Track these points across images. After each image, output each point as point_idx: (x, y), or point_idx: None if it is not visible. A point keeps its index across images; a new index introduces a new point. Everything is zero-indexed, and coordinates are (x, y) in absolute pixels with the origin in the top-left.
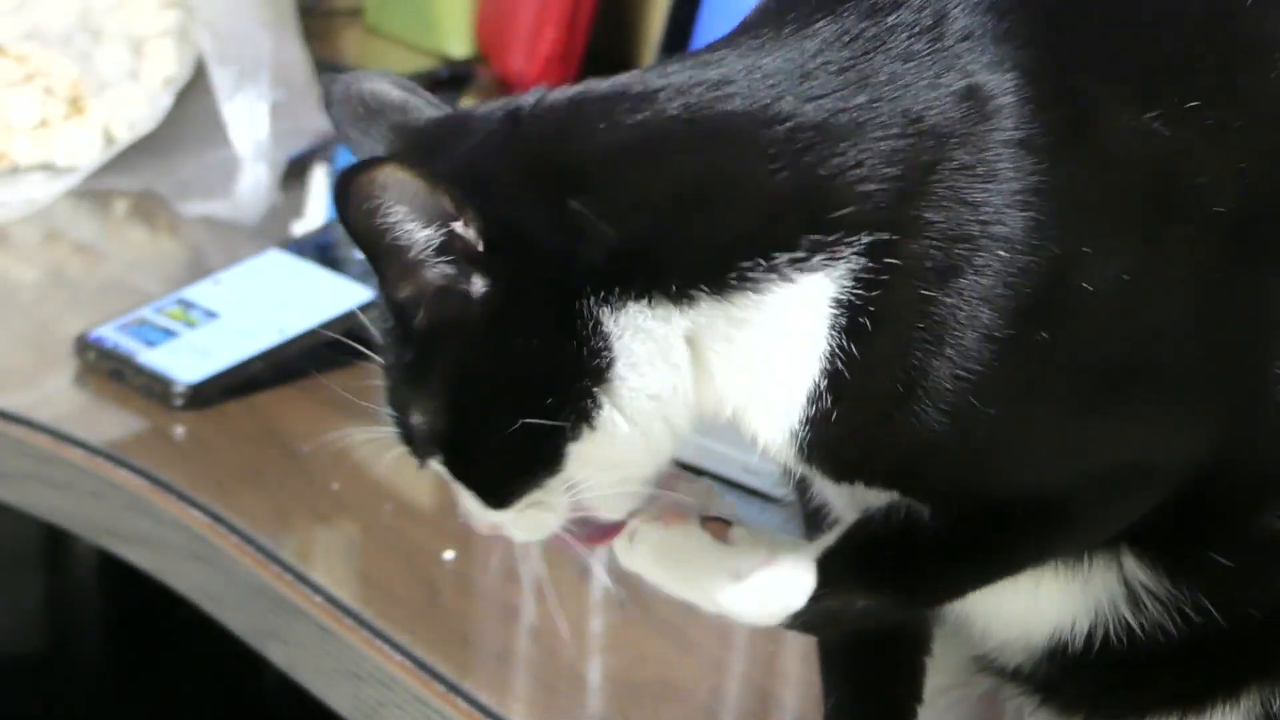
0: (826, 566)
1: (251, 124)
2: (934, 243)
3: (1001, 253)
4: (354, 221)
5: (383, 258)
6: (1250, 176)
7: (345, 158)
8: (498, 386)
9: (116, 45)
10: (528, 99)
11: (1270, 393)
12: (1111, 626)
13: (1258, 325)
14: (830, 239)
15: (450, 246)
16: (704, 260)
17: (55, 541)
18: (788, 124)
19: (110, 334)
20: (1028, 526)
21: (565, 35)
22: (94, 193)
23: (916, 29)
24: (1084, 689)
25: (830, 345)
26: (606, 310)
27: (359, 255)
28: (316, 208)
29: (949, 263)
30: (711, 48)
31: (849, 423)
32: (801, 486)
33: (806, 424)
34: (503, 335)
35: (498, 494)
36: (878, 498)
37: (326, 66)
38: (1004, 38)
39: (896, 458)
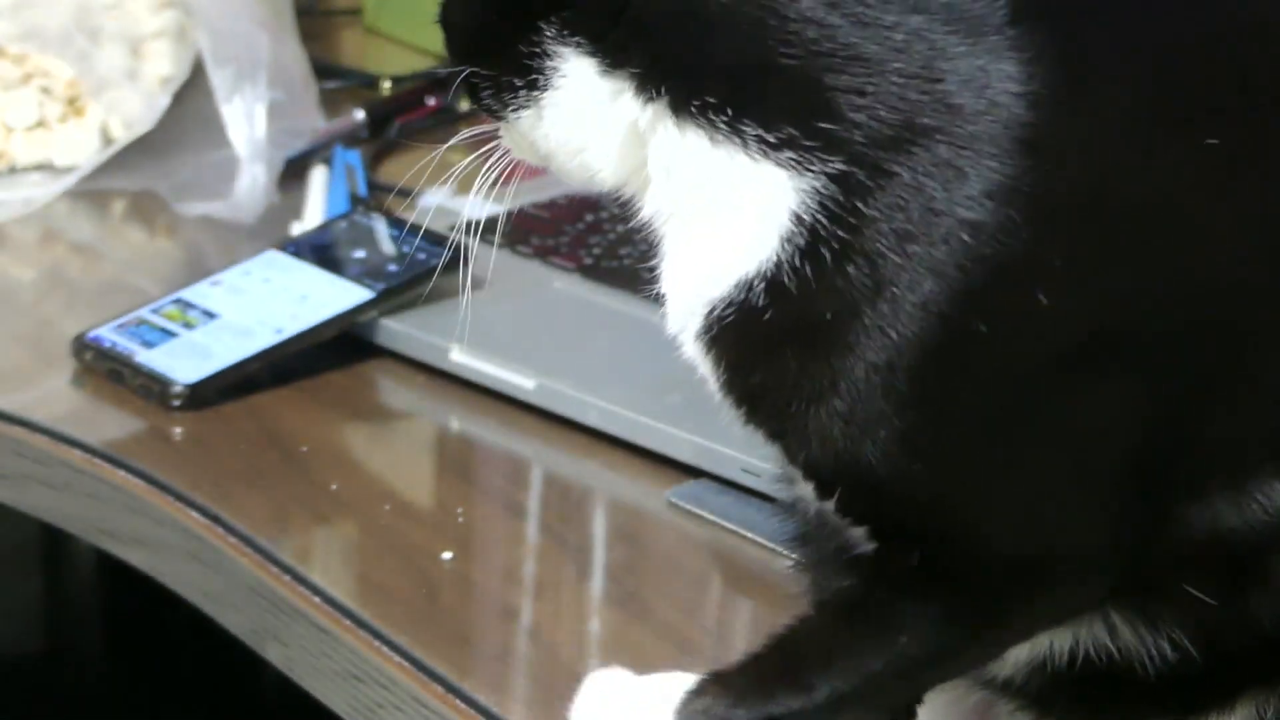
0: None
1: (249, 124)
2: (903, 201)
3: (964, 236)
4: None
5: None
6: (1257, 227)
7: (343, 157)
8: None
9: (114, 45)
10: None
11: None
12: (1092, 650)
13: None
14: (807, 143)
15: None
16: (681, 72)
17: (54, 541)
18: (820, 28)
19: (108, 334)
20: (937, 586)
21: None
22: (92, 193)
23: (967, 7)
24: (1075, 702)
25: (779, 256)
26: (571, 44)
27: (357, 255)
28: (315, 208)
29: (910, 226)
30: None
31: (772, 329)
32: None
33: (730, 307)
34: None
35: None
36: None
37: (325, 67)
38: (1045, 35)
39: (798, 395)
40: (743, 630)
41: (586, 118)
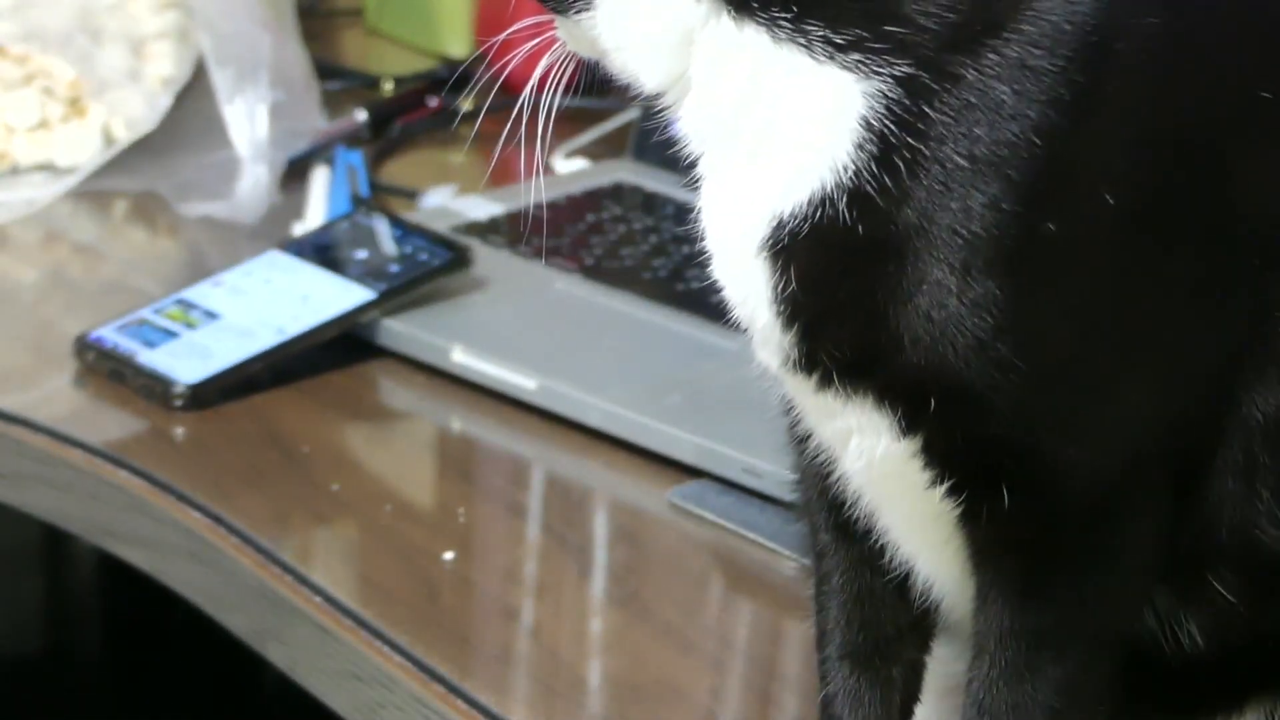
0: None
1: (251, 125)
2: (969, 102)
3: (1032, 137)
4: None
5: None
6: None
7: (345, 158)
8: None
9: (116, 46)
10: None
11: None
12: None
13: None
14: (875, 46)
15: None
16: None
17: (55, 542)
18: None
19: (110, 335)
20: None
21: None
22: (94, 193)
23: None
24: None
25: (856, 164)
26: None
27: (359, 255)
28: (316, 208)
29: (977, 128)
30: None
31: (862, 242)
32: (819, 479)
33: (805, 221)
34: None
35: None
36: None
37: (326, 67)
38: None
39: (890, 304)
40: (743, 630)
41: (642, 13)
